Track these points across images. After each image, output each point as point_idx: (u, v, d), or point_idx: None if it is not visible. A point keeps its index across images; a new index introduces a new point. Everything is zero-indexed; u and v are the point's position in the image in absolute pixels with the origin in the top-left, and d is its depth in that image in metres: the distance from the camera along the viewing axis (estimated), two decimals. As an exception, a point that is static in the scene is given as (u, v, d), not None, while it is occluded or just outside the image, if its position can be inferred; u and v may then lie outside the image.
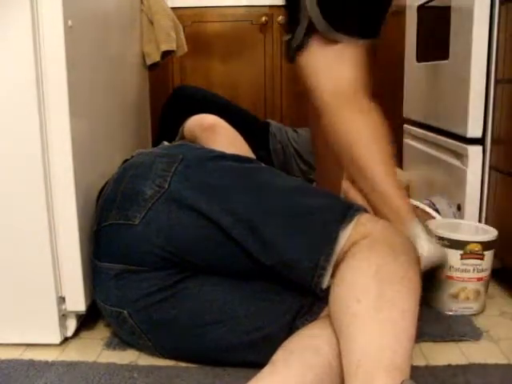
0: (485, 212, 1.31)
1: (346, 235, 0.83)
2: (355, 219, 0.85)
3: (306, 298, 0.90)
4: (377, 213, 1.08)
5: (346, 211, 0.86)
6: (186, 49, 1.72)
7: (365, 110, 1.12)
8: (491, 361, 0.96)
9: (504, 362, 0.96)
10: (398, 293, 0.73)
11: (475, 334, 1.04)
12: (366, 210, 0.89)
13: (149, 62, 1.55)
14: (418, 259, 0.82)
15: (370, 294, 0.73)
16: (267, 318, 0.89)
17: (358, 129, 1.10)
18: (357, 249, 0.80)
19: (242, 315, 0.90)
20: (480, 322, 1.10)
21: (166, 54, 1.59)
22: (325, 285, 0.83)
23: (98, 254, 0.96)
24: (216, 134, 1.17)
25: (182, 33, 1.67)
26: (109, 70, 1.21)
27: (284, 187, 0.93)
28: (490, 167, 1.28)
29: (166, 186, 0.91)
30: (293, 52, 1.13)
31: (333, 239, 0.83)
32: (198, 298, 0.91)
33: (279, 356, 0.77)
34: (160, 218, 0.89)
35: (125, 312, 0.93)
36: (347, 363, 0.69)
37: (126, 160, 1.05)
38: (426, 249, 1.02)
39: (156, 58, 1.55)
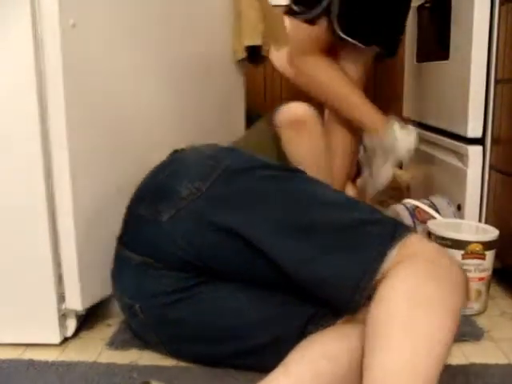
0: (485, 212, 1.31)
1: (392, 255, 0.77)
2: (404, 239, 0.79)
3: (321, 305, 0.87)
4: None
5: (395, 230, 0.81)
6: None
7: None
8: (491, 361, 0.96)
9: (504, 362, 0.96)
10: (431, 319, 0.68)
11: (475, 334, 1.04)
12: (414, 230, 0.85)
13: (236, 58, 1.45)
14: (465, 287, 0.75)
15: (401, 317, 0.68)
16: (280, 323, 0.88)
17: (326, 72, 1.45)
18: (399, 268, 0.75)
19: (254, 322, 0.88)
20: (480, 322, 1.10)
21: (257, 50, 1.47)
22: (361, 305, 0.78)
23: (124, 241, 0.95)
24: (300, 135, 1.12)
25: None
26: (158, 68, 1.19)
27: (328, 200, 0.88)
28: (490, 167, 1.28)
29: (204, 190, 0.87)
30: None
31: (379, 259, 0.77)
32: (213, 302, 0.89)
33: (292, 359, 0.75)
34: (189, 220, 0.87)
35: (136, 306, 0.93)
36: (366, 380, 0.67)
37: (176, 151, 1.03)
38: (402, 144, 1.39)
39: (241, 54, 1.44)
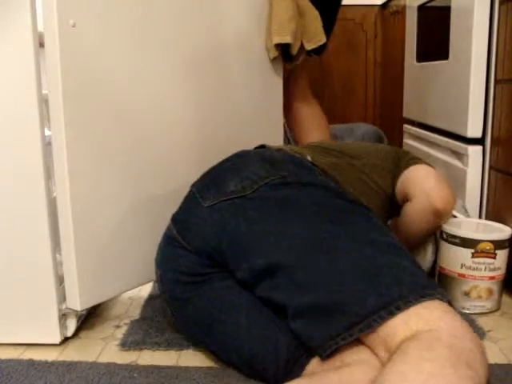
0: (485, 212, 1.31)
1: (407, 314, 0.69)
2: (424, 301, 0.70)
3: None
4: None
5: (424, 288, 0.72)
6: (322, 39, 1.50)
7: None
8: (491, 361, 0.95)
9: (504, 361, 0.96)
10: None
11: (477, 334, 1.04)
12: (446, 299, 0.73)
13: (270, 57, 1.41)
14: (487, 378, 0.63)
15: None
16: (267, 344, 0.85)
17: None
18: (411, 346, 0.65)
19: (244, 325, 0.87)
20: (481, 321, 1.10)
21: (288, 49, 1.42)
22: (331, 353, 0.73)
23: (175, 211, 0.98)
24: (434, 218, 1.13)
25: (314, 24, 1.48)
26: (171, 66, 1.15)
27: (369, 236, 0.82)
28: (490, 167, 1.28)
29: (248, 192, 0.88)
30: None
31: (389, 310, 0.70)
32: (216, 290, 0.90)
33: None
34: (223, 214, 0.88)
35: (158, 273, 0.97)
36: None
37: (263, 146, 1.06)
38: None
39: (273, 53, 1.39)
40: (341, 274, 0.76)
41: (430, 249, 1.24)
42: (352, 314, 0.72)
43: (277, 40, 1.37)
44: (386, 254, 0.78)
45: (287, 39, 1.37)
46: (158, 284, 1.00)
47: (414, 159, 1.21)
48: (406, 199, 1.16)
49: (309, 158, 1.01)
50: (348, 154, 1.14)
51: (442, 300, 0.72)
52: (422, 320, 0.68)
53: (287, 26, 1.37)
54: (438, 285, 1.18)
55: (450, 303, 0.73)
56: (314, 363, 0.79)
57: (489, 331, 1.07)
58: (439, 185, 1.13)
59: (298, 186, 0.89)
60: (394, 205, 1.19)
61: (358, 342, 0.74)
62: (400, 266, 0.76)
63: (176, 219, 0.96)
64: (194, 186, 0.97)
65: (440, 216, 1.13)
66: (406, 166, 1.18)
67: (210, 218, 0.89)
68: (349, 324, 0.71)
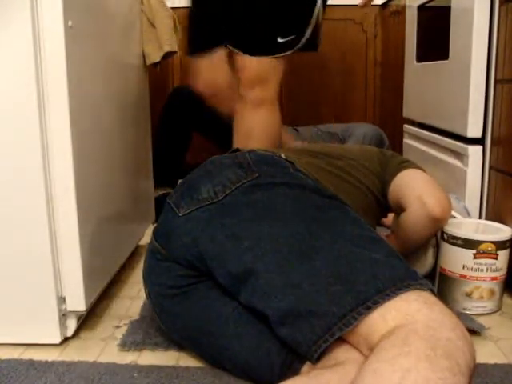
0: (485, 212, 1.31)
1: (386, 307, 0.68)
2: (402, 293, 0.69)
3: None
4: None
5: (403, 279, 0.71)
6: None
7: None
8: (491, 361, 0.96)
9: (504, 361, 0.96)
10: None
11: (477, 328, 1.05)
12: (429, 288, 0.72)
13: (148, 62, 1.56)
14: (469, 366, 0.61)
15: None
16: (255, 350, 0.84)
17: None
18: (387, 344, 0.63)
19: (231, 333, 0.86)
20: (480, 321, 1.10)
21: (167, 55, 1.60)
22: (321, 352, 0.72)
23: (155, 228, 0.98)
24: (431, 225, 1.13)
25: (179, 33, 1.69)
26: (109, 70, 1.20)
27: (345, 232, 0.81)
28: (490, 167, 1.28)
29: (220, 198, 0.87)
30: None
31: (369, 305, 0.69)
32: (201, 301, 0.90)
33: None
34: (198, 222, 0.87)
35: (147, 290, 0.97)
36: None
37: (237, 149, 1.03)
38: None
39: (156, 58, 1.57)
40: (316, 275, 0.74)
41: (430, 252, 1.24)
42: (330, 314, 0.70)
43: (167, 48, 1.57)
44: (363, 248, 0.77)
45: (175, 47, 1.59)
46: (148, 300, 0.99)
47: (404, 163, 1.19)
48: (401, 208, 1.14)
49: (282, 156, 0.99)
50: (329, 155, 1.12)
51: (422, 289, 0.70)
52: (400, 314, 0.67)
53: (174, 36, 1.59)
54: (439, 286, 1.18)
55: (432, 291, 0.72)
56: (308, 366, 0.78)
57: (488, 331, 1.07)
58: (433, 191, 1.12)
59: (271, 186, 0.88)
60: (383, 207, 1.17)
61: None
62: (377, 260, 0.74)
63: (156, 232, 0.96)
64: (170, 197, 0.96)
65: (438, 222, 1.12)
66: (396, 171, 1.16)
67: (186, 226, 0.88)
68: (328, 325, 0.70)
